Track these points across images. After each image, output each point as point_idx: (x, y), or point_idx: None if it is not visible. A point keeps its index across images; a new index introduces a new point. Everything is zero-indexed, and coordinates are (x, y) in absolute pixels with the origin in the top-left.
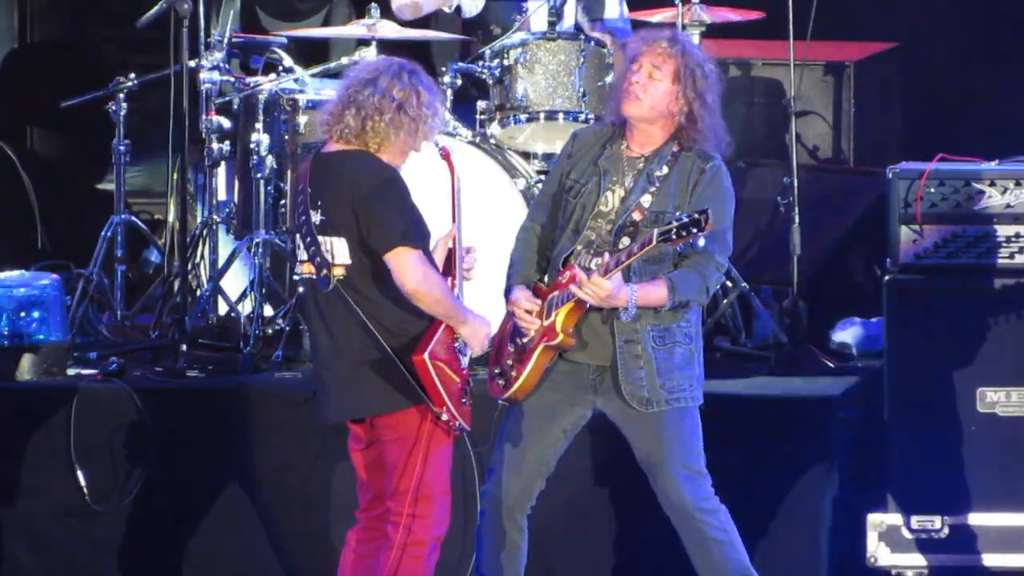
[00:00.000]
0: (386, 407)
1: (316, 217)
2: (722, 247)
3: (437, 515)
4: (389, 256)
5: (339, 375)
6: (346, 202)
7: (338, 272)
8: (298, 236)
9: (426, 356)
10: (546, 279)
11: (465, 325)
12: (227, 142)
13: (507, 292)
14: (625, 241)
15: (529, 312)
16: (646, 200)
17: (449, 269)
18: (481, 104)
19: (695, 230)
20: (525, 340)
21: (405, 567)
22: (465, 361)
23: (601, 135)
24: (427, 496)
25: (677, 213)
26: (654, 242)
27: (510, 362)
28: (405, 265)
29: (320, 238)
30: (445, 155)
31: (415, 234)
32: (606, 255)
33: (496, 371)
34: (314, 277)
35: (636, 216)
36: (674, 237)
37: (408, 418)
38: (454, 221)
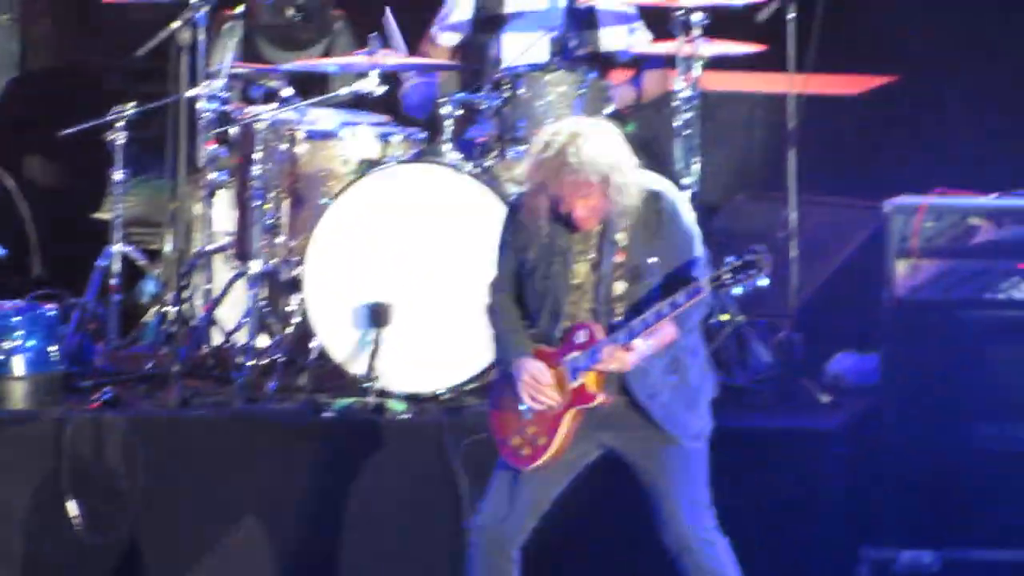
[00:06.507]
0: None
1: None
2: (706, 271)
3: None
4: None
5: None
6: None
7: None
8: None
9: None
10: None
11: None
12: (225, 171)
13: (507, 363)
14: (619, 293)
15: (548, 386)
16: (619, 258)
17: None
18: (480, 135)
19: (753, 271)
20: (545, 407)
21: None
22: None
23: (540, 209)
24: None
25: (653, 260)
26: (705, 290)
27: (533, 430)
28: None
29: None
30: None
31: None
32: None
33: (516, 442)
34: None
35: (618, 287)
36: (729, 281)
37: None
38: None
